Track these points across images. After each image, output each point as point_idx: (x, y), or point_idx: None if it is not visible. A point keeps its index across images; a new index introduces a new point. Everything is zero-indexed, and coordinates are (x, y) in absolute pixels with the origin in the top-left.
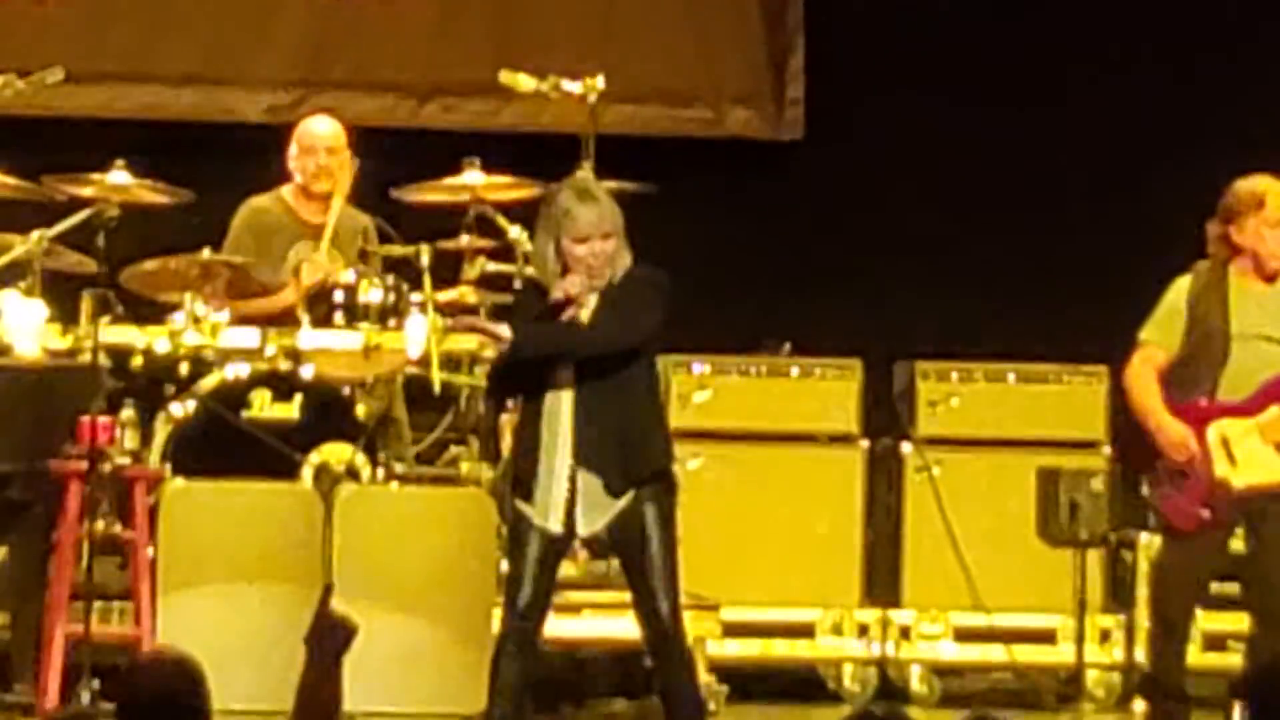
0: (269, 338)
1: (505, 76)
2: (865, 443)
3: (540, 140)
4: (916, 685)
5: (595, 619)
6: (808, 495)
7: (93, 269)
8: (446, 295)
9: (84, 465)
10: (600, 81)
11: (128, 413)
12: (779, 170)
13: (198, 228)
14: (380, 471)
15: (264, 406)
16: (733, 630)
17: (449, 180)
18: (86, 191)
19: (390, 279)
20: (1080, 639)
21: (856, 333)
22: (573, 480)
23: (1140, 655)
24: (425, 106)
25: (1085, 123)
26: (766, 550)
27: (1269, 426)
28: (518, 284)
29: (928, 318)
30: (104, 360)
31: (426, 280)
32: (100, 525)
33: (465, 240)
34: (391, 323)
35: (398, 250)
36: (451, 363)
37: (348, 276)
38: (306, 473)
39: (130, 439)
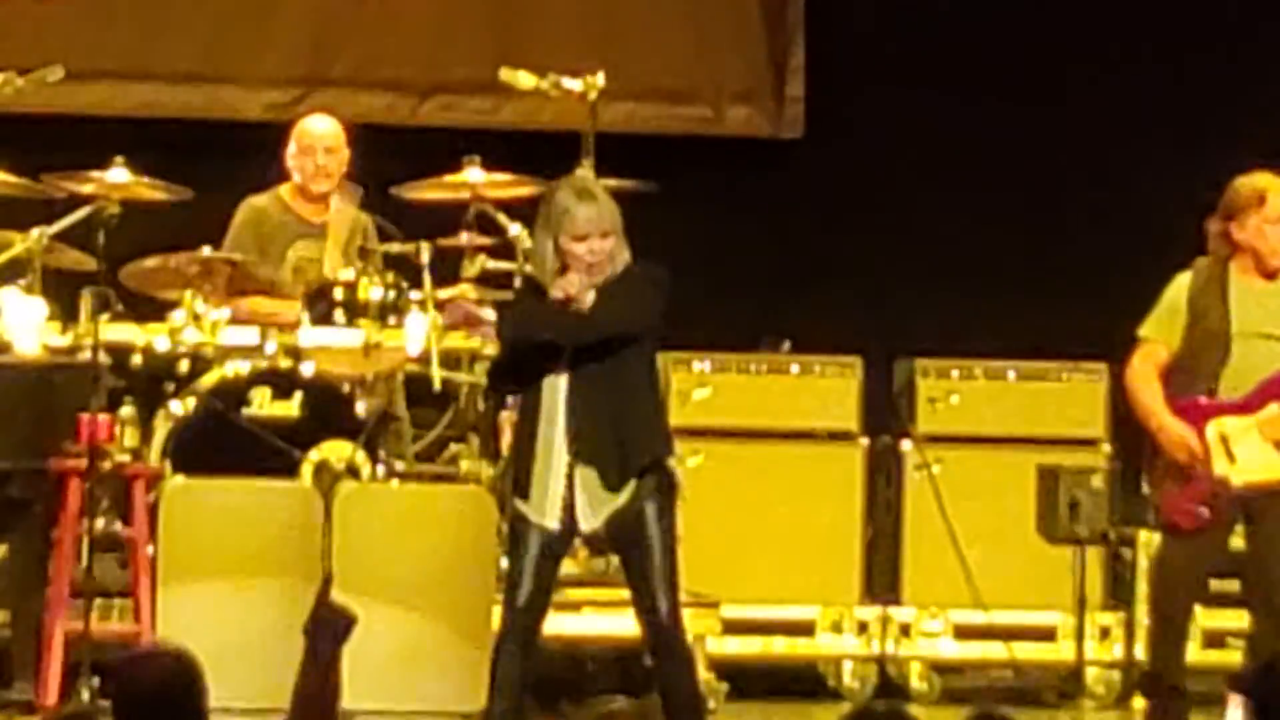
0: (269, 335)
1: (505, 74)
2: (865, 440)
3: (540, 138)
4: (916, 683)
5: (595, 616)
6: (808, 493)
7: (92, 266)
8: (446, 293)
9: (84, 463)
10: (600, 79)
11: (127, 410)
12: (779, 168)
13: (197, 225)
14: (380, 469)
15: (264, 404)
16: (732, 627)
17: (449, 178)
18: (86, 189)
19: (390, 276)
20: (1080, 636)
21: (857, 330)
22: (570, 476)
23: (1140, 652)
24: (425, 104)
25: (1085, 122)
26: (766, 548)
27: (1268, 424)
28: (517, 282)
29: (928, 315)
30: (104, 358)
31: (426, 278)
32: (100, 523)
33: (465, 238)
34: (391, 320)
35: (397, 248)
36: (452, 360)
37: (347, 274)
38: (306, 470)
39: (130, 436)
